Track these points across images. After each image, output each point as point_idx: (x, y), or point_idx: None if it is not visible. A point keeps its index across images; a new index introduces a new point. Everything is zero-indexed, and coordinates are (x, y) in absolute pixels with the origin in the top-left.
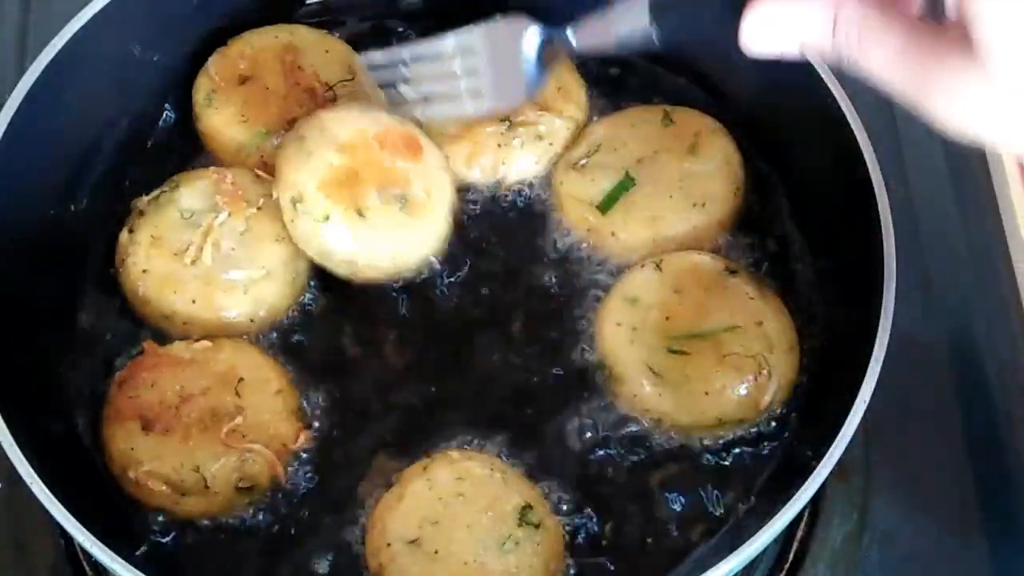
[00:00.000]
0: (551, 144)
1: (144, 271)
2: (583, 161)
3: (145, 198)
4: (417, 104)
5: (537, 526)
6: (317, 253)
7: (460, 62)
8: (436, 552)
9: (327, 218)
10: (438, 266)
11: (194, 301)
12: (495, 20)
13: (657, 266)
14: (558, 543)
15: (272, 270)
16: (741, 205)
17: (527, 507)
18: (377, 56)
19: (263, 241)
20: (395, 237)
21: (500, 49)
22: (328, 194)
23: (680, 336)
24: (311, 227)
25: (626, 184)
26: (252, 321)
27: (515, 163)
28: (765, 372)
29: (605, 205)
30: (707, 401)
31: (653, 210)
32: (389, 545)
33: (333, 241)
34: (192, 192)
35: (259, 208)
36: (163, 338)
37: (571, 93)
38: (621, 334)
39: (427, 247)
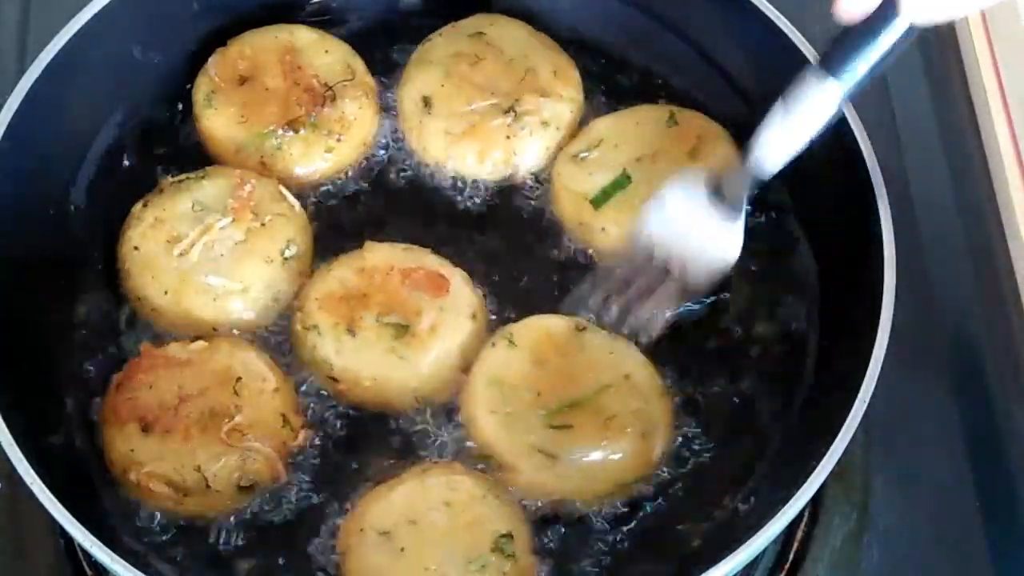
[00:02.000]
0: (557, 129)
1: (135, 248)
2: (583, 154)
3: (171, 178)
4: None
5: (510, 557)
6: (308, 361)
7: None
8: (402, 550)
9: (315, 327)
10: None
11: (166, 292)
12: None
13: (510, 342)
14: None
15: (250, 287)
16: None
17: (507, 536)
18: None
19: (253, 257)
20: (379, 360)
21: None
22: (322, 306)
23: (557, 409)
24: (301, 334)
25: (621, 182)
26: (215, 329)
27: (525, 152)
28: (650, 425)
29: (598, 200)
30: (602, 470)
31: None
32: (361, 530)
33: (316, 349)
34: (213, 187)
35: (263, 224)
36: (159, 338)
37: (566, 74)
38: (497, 422)
39: (414, 380)
